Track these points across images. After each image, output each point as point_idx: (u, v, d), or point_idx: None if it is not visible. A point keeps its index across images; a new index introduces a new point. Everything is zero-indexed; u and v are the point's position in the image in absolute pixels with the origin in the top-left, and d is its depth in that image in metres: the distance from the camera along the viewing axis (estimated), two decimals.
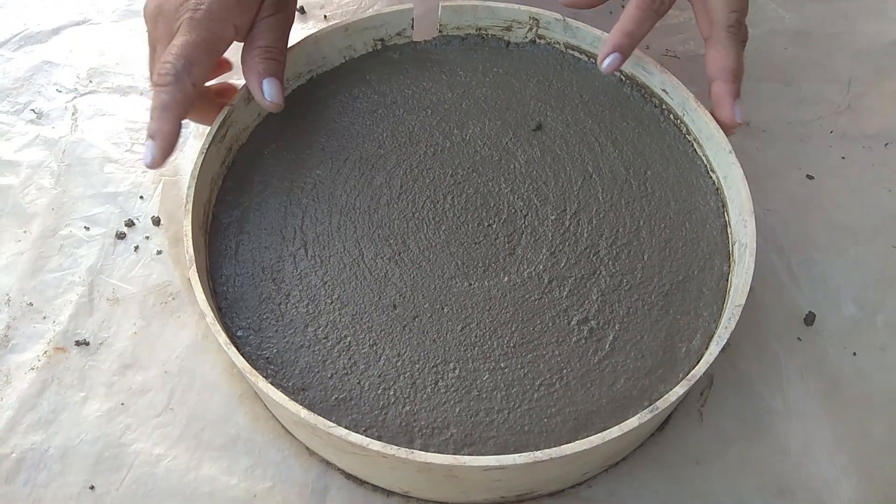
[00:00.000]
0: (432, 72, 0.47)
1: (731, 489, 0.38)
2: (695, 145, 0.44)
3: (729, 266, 0.40)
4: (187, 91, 0.37)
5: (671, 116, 0.45)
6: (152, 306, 0.43)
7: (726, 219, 0.41)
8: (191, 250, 0.37)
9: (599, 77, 0.47)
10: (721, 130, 0.41)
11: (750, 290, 0.37)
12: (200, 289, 0.36)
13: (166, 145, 0.37)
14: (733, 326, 0.36)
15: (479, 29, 0.48)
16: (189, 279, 0.37)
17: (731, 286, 0.39)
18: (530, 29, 0.47)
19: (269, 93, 0.41)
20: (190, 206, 0.39)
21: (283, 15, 0.41)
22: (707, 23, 0.42)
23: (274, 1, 0.41)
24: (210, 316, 0.35)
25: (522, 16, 0.47)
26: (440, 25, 0.48)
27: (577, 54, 0.47)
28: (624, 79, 0.46)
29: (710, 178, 0.43)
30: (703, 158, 0.43)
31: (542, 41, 0.48)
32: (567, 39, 0.47)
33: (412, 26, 0.48)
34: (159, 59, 0.38)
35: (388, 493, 0.38)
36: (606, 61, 0.42)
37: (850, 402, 0.41)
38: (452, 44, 0.48)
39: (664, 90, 0.44)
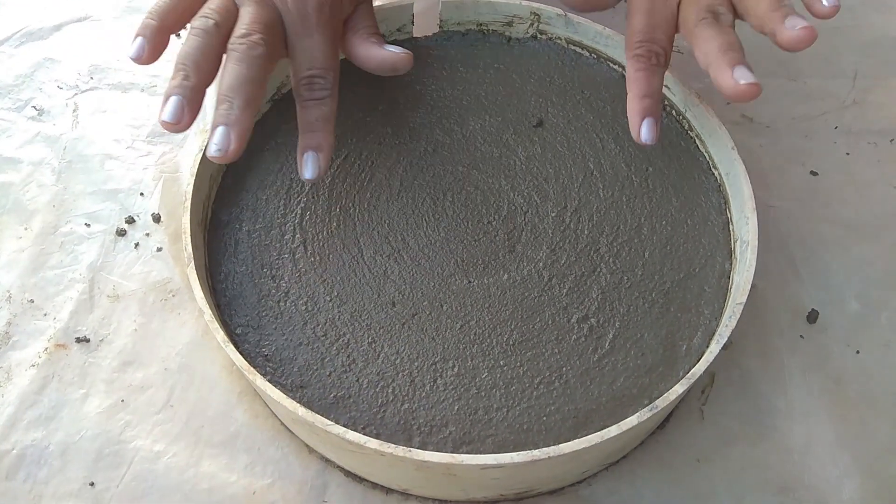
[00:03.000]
0: (433, 68, 0.47)
1: (732, 488, 0.38)
2: (697, 142, 0.43)
3: (731, 263, 0.40)
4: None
5: (673, 112, 0.44)
6: (152, 303, 0.43)
7: (728, 216, 0.41)
8: (189, 248, 0.37)
9: (601, 73, 0.46)
10: (723, 127, 0.41)
11: (752, 287, 0.36)
12: (199, 286, 0.36)
13: (330, 156, 0.39)
14: (734, 324, 0.35)
15: (480, 24, 0.48)
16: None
17: (732, 284, 0.39)
18: (531, 24, 0.47)
19: (395, 52, 0.41)
20: (189, 203, 0.39)
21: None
22: (686, 32, 0.40)
23: None
24: (208, 313, 0.35)
25: (523, 11, 0.46)
26: (441, 21, 0.48)
27: (578, 50, 0.47)
28: (626, 75, 0.46)
29: (713, 174, 0.42)
30: (706, 155, 0.43)
31: (544, 37, 0.47)
32: (569, 35, 0.47)
33: (412, 22, 0.47)
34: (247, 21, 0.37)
35: (388, 490, 0.38)
36: (643, 132, 0.39)
37: (854, 400, 0.41)
38: (453, 39, 0.48)
39: (666, 86, 0.44)
